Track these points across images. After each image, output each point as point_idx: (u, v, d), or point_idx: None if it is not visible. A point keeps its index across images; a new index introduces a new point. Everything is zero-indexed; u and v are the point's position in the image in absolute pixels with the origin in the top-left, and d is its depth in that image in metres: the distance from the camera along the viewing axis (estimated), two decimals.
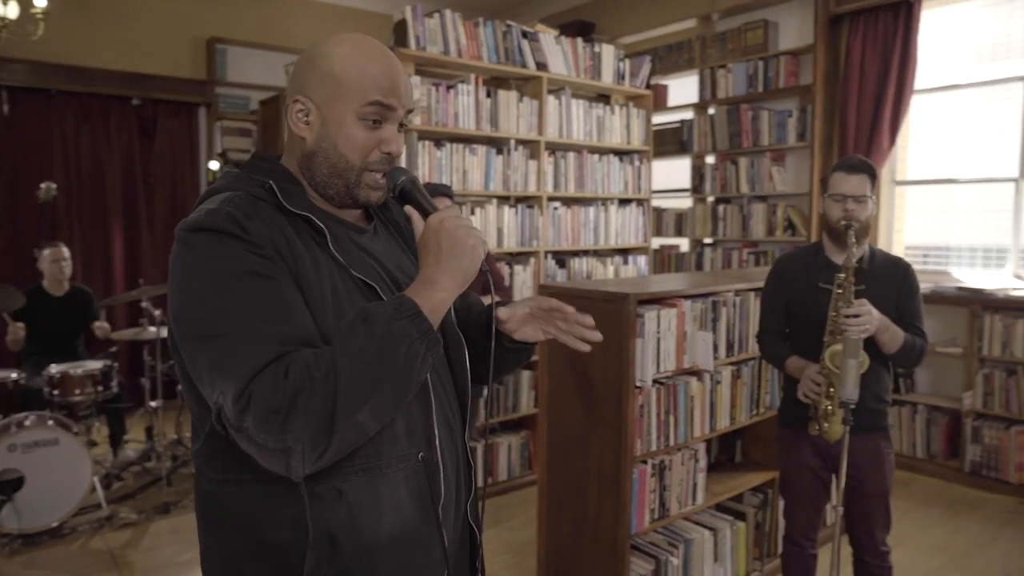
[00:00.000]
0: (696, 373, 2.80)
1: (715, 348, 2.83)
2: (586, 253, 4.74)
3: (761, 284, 3.05)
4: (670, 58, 5.97)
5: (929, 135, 5.00)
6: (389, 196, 1.21)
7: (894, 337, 2.26)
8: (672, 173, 6.12)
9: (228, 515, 1.09)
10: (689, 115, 5.88)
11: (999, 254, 4.69)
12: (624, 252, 4.96)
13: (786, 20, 5.36)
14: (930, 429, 4.57)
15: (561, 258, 4.59)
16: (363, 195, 1.16)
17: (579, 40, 4.54)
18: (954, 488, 4.35)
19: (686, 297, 2.73)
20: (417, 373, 1.02)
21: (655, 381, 2.65)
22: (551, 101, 4.37)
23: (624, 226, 4.85)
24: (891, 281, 2.37)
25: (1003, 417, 4.30)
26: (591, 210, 4.66)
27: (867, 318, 2.18)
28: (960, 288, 4.47)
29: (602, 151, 4.74)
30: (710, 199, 5.80)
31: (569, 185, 4.51)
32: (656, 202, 6.12)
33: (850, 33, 4.98)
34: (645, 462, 2.66)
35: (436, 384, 1.18)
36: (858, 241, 2.34)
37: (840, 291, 2.27)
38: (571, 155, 4.51)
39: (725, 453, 3.46)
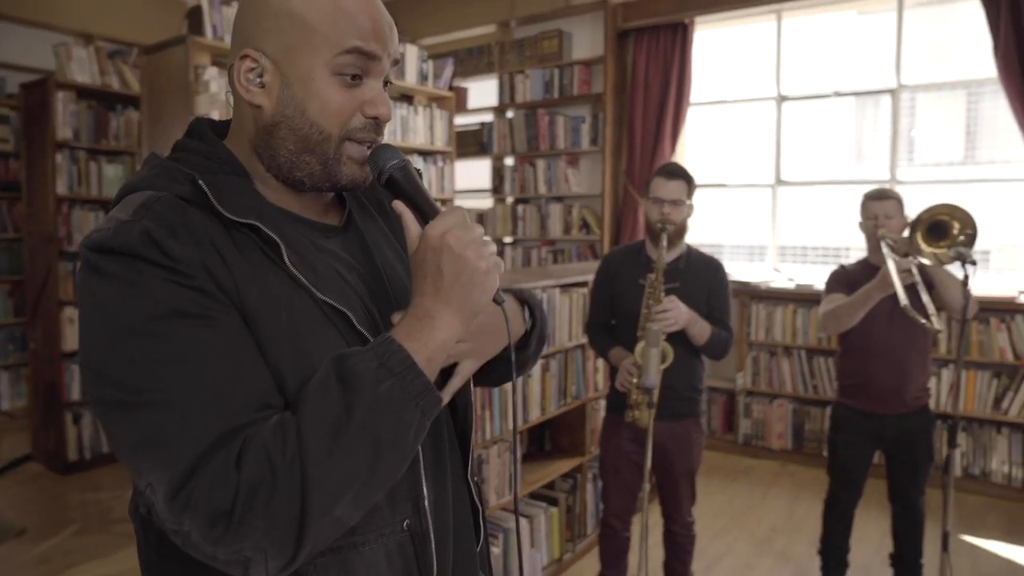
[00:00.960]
0: None
1: None
2: None
3: (567, 280, 3.23)
4: (471, 61, 6.11)
5: (703, 144, 5.56)
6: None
7: (702, 331, 2.48)
8: (473, 174, 6.27)
9: None
10: (489, 118, 6.05)
11: (761, 250, 5.33)
12: None
13: (579, 31, 5.69)
14: (711, 408, 5.09)
15: None
16: (345, 174, 0.89)
17: None
18: (731, 458, 4.88)
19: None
20: (410, 447, 0.79)
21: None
22: None
23: None
24: (703, 279, 2.60)
25: (767, 393, 4.90)
26: None
27: (674, 313, 2.39)
28: (731, 281, 5.01)
29: (406, 151, 4.74)
30: (510, 199, 6.02)
31: None
32: (459, 202, 6.23)
33: (635, 48, 5.39)
34: None
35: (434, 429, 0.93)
36: (674, 242, 2.55)
37: (651, 289, 2.47)
38: None
39: (535, 443, 3.62)
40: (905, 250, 2.54)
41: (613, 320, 2.70)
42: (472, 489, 1.05)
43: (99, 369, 0.75)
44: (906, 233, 2.57)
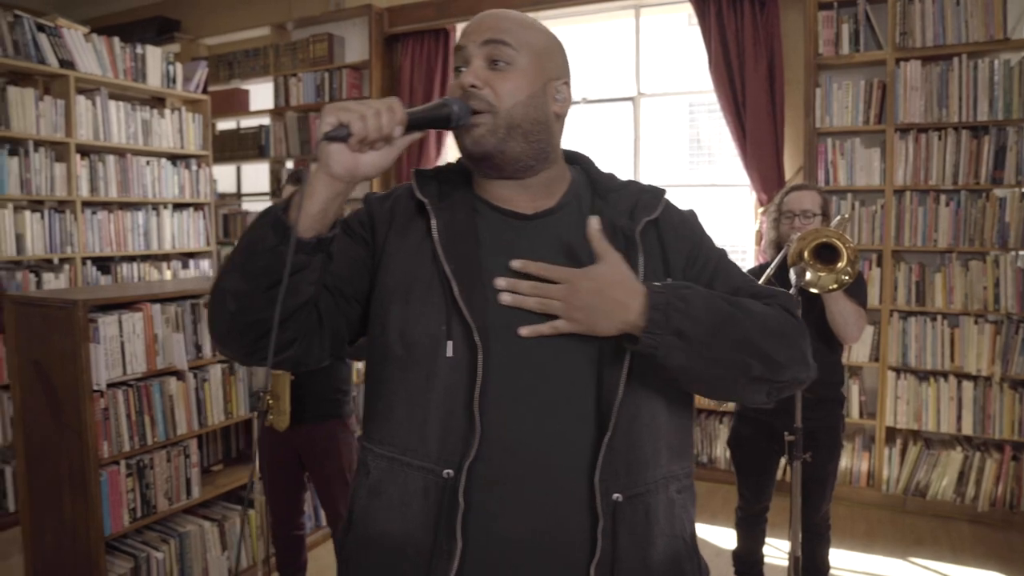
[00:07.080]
0: (177, 372, 2.92)
1: (199, 348, 2.98)
2: (134, 259, 4.62)
3: None
4: (248, 63, 6.04)
5: None
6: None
7: None
8: (255, 177, 6.22)
9: None
10: (268, 120, 6.01)
11: None
12: (187, 256, 4.93)
13: (351, 36, 5.73)
14: None
15: (104, 264, 4.43)
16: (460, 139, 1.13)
17: (116, 40, 4.40)
18: None
19: (155, 300, 2.83)
20: (261, 258, 0.98)
21: (123, 383, 2.72)
22: (82, 102, 4.18)
23: (182, 230, 4.82)
24: None
25: None
26: (140, 215, 4.55)
27: None
28: None
29: (150, 155, 4.64)
30: None
31: (110, 189, 4.36)
32: (246, 205, 6.19)
33: (401, 53, 5.50)
34: (118, 463, 2.71)
35: (533, 412, 1.03)
36: None
37: None
38: (111, 158, 4.36)
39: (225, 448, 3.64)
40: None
41: None
42: (598, 495, 1.01)
43: None
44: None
